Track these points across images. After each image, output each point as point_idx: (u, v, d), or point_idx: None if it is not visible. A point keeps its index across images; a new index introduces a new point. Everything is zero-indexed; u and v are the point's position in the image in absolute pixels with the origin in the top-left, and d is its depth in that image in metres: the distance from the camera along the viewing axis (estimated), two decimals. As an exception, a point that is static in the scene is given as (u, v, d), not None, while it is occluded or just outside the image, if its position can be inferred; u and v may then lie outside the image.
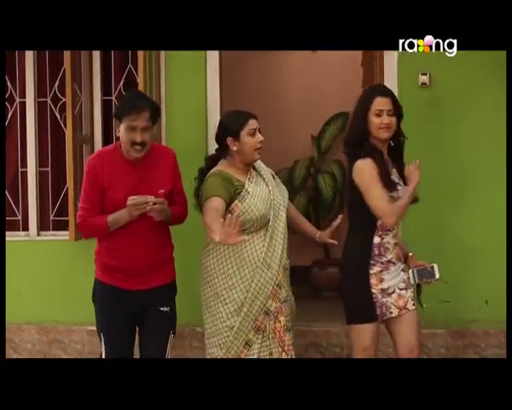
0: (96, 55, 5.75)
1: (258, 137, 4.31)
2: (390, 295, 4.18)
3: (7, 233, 5.23)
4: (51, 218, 5.98)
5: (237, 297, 4.25)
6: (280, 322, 4.29)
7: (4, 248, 4.73)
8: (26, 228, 5.97)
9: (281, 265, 4.30)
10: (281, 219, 4.33)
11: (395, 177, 4.22)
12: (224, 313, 4.28)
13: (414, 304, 4.22)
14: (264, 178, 4.41)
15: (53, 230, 5.97)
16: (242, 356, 4.26)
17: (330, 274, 7.11)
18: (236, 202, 4.23)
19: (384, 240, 4.19)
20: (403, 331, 4.22)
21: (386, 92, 4.22)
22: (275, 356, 4.28)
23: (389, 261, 4.19)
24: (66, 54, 5.41)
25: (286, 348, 4.30)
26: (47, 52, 5.88)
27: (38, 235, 5.94)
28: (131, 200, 4.08)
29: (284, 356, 4.30)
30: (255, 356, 4.25)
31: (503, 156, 5.10)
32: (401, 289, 4.20)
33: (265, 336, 4.28)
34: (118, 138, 4.24)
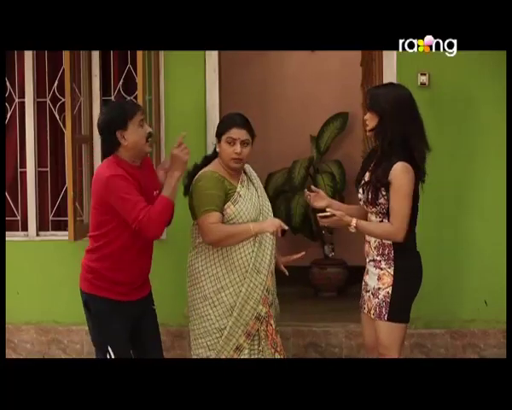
0: (95, 55, 5.74)
1: (236, 148, 4.25)
2: (367, 292, 4.21)
3: (6, 233, 5.23)
4: (50, 218, 5.97)
5: (226, 300, 4.26)
6: (271, 325, 4.31)
7: (4, 249, 4.72)
8: (25, 228, 5.96)
9: (269, 270, 4.30)
10: None
11: (366, 177, 4.19)
12: (213, 316, 4.28)
13: (374, 314, 4.12)
14: (253, 183, 4.41)
15: (52, 230, 5.96)
16: None
17: (330, 274, 7.12)
18: (229, 203, 4.25)
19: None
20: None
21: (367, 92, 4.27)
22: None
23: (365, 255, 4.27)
24: (66, 54, 5.39)
25: (278, 349, 4.32)
26: (46, 52, 5.88)
27: (37, 235, 5.93)
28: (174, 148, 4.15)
29: (278, 357, 4.32)
30: None
31: (503, 156, 5.11)
32: (372, 294, 4.17)
33: (256, 341, 4.29)
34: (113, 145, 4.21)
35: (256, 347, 4.28)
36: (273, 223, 4.19)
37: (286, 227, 4.19)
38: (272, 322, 4.32)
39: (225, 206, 4.23)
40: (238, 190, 4.28)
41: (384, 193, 4.05)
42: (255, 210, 4.30)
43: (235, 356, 4.26)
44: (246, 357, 4.25)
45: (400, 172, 4.00)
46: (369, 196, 4.08)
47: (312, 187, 4.32)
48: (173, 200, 4.12)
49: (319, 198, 4.28)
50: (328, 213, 4.08)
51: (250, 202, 4.30)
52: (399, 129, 4.03)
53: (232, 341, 4.26)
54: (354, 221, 4.07)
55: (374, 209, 4.11)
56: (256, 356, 4.27)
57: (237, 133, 4.24)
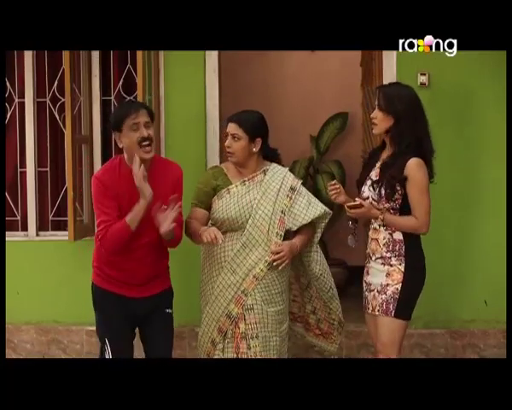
0: (95, 55, 5.74)
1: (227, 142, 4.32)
2: (370, 291, 4.23)
3: (6, 233, 5.23)
4: (50, 218, 5.97)
5: (207, 292, 4.35)
6: (239, 328, 4.27)
7: (4, 249, 4.72)
8: (25, 228, 5.95)
9: (250, 274, 4.25)
10: (262, 230, 4.25)
11: (374, 175, 4.22)
12: (201, 307, 4.40)
13: (379, 311, 4.14)
14: (261, 186, 4.32)
15: (52, 230, 5.96)
16: (211, 355, 4.32)
17: (329, 274, 7.10)
18: (215, 198, 4.32)
19: (368, 233, 4.30)
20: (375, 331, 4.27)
21: (377, 89, 4.30)
22: None
23: (368, 254, 4.27)
24: (65, 54, 5.39)
25: (239, 355, 4.25)
26: (46, 52, 5.88)
27: (37, 235, 5.93)
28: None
29: None
30: (217, 357, 4.30)
31: (503, 156, 5.11)
32: (378, 291, 4.19)
33: (227, 340, 4.29)
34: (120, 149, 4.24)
35: (227, 345, 4.28)
36: (208, 232, 4.07)
37: (220, 239, 4.05)
38: (241, 326, 4.25)
39: (213, 199, 4.32)
40: (231, 187, 4.31)
41: (398, 189, 4.10)
42: (239, 210, 4.25)
43: (212, 350, 4.31)
44: (218, 353, 4.28)
45: (415, 166, 4.10)
46: (384, 193, 4.12)
47: (335, 181, 4.34)
48: (133, 226, 4.03)
49: (341, 193, 4.30)
50: (357, 204, 4.13)
51: (236, 201, 4.27)
52: (414, 130, 4.12)
53: (207, 334, 4.33)
54: (381, 214, 4.13)
55: (387, 205, 4.14)
56: (226, 354, 4.28)
57: (228, 127, 4.34)
